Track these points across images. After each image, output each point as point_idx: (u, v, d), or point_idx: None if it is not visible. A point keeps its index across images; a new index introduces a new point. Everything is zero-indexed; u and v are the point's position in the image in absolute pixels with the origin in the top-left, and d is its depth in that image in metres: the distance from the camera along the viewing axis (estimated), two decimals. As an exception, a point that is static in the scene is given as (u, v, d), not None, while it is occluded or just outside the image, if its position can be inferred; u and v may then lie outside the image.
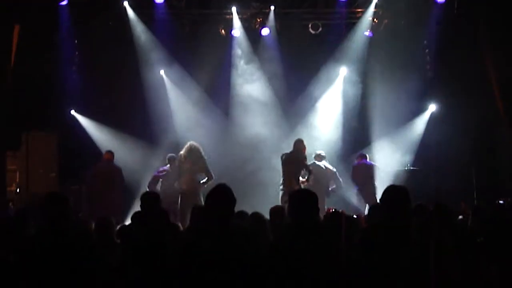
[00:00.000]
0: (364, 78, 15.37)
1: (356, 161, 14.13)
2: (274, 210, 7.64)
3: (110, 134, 15.31)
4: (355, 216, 7.86)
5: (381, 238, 5.02)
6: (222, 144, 15.05)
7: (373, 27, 15.55)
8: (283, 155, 12.62)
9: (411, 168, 14.77)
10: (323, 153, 14.00)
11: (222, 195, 4.99)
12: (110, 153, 13.53)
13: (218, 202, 4.95)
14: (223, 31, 15.59)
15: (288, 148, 12.84)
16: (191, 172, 12.27)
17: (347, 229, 5.84)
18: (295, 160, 12.46)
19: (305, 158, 12.63)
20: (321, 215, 7.15)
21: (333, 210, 9.05)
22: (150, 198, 6.82)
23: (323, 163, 13.77)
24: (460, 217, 8.25)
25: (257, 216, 6.81)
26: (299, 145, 12.64)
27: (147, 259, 5.72)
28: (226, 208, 4.96)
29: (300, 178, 12.49)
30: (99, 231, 7.04)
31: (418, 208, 6.81)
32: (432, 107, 15.51)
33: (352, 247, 5.31)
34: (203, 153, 12.42)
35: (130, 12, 14.99)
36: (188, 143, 12.57)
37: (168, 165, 13.46)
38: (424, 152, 15.12)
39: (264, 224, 6.64)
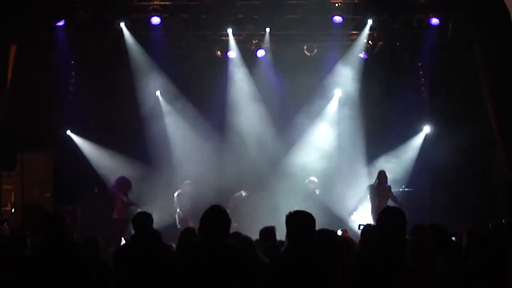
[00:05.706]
0: (359, 99, 15.42)
1: None
2: (264, 231, 7.60)
3: (106, 154, 15.31)
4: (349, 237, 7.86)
5: (375, 260, 5.02)
6: (217, 164, 15.08)
7: (368, 49, 15.61)
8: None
9: (406, 189, 14.80)
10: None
11: (216, 217, 5.01)
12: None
13: (212, 224, 4.98)
14: (219, 52, 15.65)
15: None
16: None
17: (341, 251, 5.84)
18: None
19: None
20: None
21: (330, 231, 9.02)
22: (142, 219, 6.80)
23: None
24: (453, 238, 8.24)
25: (244, 238, 6.67)
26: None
27: (140, 280, 5.71)
28: (220, 229, 4.98)
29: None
30: (87, 251, 6.97)
31: (416, 229, 6.79)
32: (426, 128, 15.59)
33: (347, 268, 5.31)
34: None
35: (126, 33, 15.00)
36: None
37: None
38: (419, 173, 15.15)
39: (252, 245, 6.49)
